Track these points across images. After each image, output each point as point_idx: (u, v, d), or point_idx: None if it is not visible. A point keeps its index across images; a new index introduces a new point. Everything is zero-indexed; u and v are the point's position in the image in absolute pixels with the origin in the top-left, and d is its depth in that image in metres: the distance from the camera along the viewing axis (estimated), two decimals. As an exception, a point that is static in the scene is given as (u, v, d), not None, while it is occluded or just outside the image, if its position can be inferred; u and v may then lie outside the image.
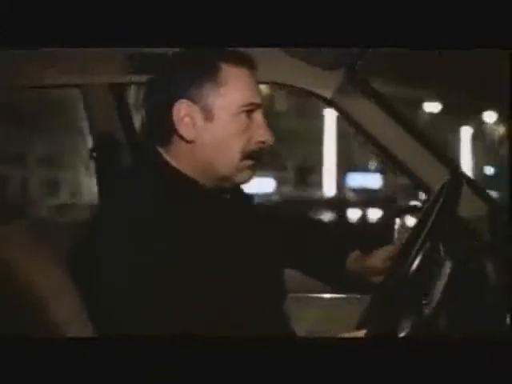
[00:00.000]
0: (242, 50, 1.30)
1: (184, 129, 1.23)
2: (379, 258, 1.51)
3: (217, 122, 1.24)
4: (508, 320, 1.37)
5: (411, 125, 1.81)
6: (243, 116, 1.25)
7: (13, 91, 2.10)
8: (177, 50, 1.32)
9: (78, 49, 1.64)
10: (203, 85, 1.23)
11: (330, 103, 1.78)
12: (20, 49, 1.66)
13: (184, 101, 1.23)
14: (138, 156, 1.36)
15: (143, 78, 1.85)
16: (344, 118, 1.81)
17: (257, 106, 1.27)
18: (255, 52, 1.35)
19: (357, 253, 1.56)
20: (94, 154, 1.96)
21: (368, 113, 1.76)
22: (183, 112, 1.23)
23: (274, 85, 1.84)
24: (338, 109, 1.79)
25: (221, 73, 1.24)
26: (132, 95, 2.05)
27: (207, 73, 1.23)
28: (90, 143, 1.97)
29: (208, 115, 1.23)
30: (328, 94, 1.77)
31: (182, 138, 1.24)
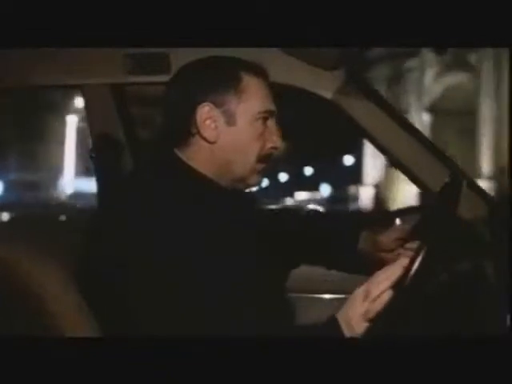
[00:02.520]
0: (243, 51, 1.36)
1: (206, 131, 1.30)
2: (390, 237, 1.56)
3: (237, 127, 1.31)
4: (508, 320, 1.37)
5: (411, 125, 1.81)
6: (260, 122, 1.32)
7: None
8: (175, 50, 1.32)
9: (78, 49, 1.64)
10: (225, 91, 1.30)
11: (330, 104, 1.78)
12: (20, 49, 1.67)
13: (207, 104, 1.29)
14: (152, 156, 1.36)
15: (143, 78, 1.87)
16: (344, 118, 1.81)
17: (271, 114, 1.34)
18: (255, 52, 1.35)
19: (366, 233, 1.61)
20: (94, 155, 1.96)
21: (368, 113, 1.75)
22: (206, 115, 1.29)
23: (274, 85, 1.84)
24: (337, 109, 1.79)
25: (242, 81, 1.31)
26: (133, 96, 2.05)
27: (229, 80, 1.30)
28: (89, 143, 1.97)
29: (229, 119, 1.30)
30: (328, 95, 1.77)
31: (203, 139, 1.30)
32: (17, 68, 1.83)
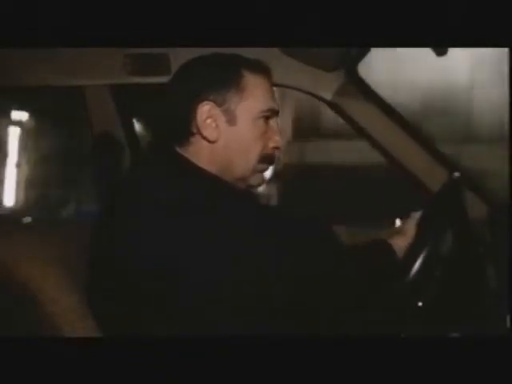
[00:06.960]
0: (241, 50, 1.32)
1: (207, 130, 1.28)
2: (413, 224, 1.43)
3: (238, 126, 1.28)
4: (508, 320, 1.37)
5: (411, 126, 1.81)
6: (262, 121, 1.30)
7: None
8: (175, 49, 1.31)
9: (78, 49, 1.64)
10: (226, 89, 1.28)
11: (330, 104, 1.78)
12: (20, 49, 1.67)
13: (207, 103, 1.27)
14: (155, 155, 1.35)
15: (143, 79, 1.87)
16: (344, 119, 1.81)
17: (274, 113, 1.32)
18: (255, 52, 1.35)
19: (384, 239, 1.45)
20: (95, 154, 1.96)
21: (368, 114, 1.76)
22: (206, 114, 1.27)
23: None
24: (337, 110, 1.79)
25: (243, 79, 1.29)
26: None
27: (230, 78, 1.28)
28: (90, 143, 1.97)
29: (230, 118, 1.28)
30: (328, 96, 1.77)
31: (204, 138, 1.28)
32: (17, 68, 1.83)
